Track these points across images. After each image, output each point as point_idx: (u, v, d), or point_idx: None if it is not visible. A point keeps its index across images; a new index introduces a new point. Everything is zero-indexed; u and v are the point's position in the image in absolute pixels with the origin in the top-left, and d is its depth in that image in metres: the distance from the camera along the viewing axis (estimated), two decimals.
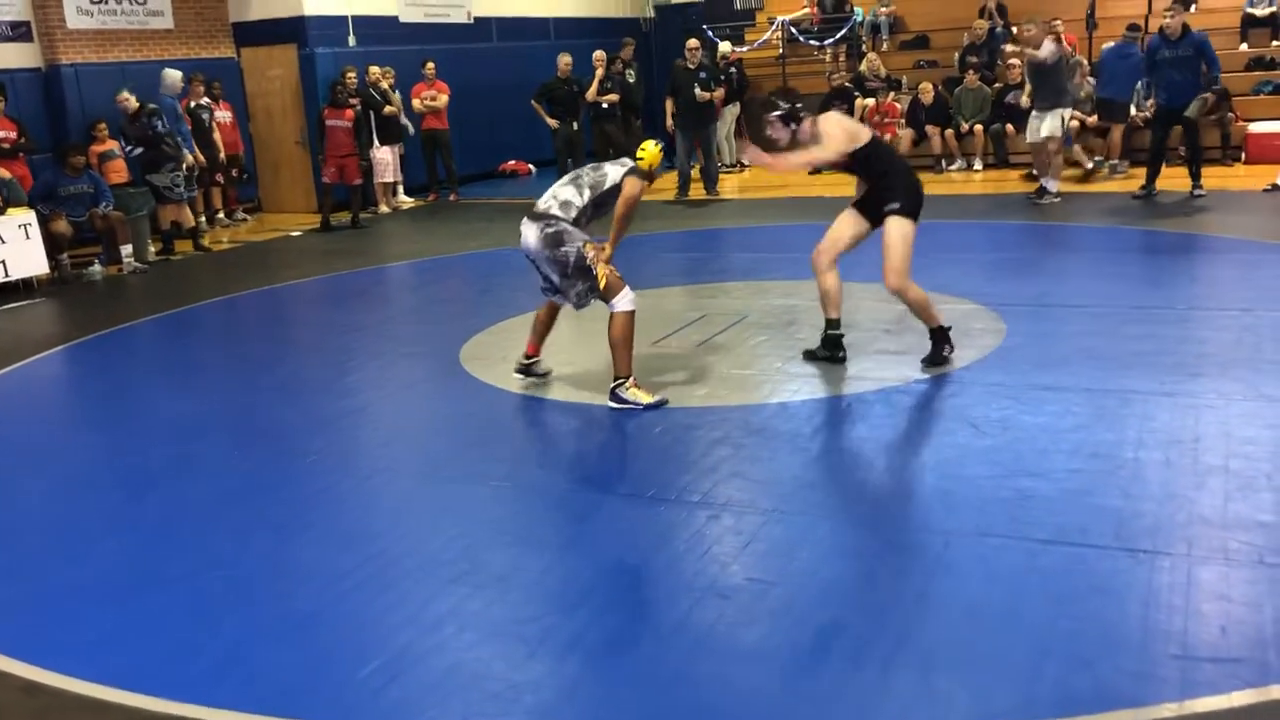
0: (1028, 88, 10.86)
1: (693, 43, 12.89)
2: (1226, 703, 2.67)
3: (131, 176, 10.92)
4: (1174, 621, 3.03)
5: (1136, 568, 3.35)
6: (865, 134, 5.43)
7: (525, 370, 5.75)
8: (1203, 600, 3.15)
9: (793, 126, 5.32)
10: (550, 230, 5.20)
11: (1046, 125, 10.45)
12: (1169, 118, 10.26)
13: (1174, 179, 10.51)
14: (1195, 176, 10.19)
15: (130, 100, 10.90)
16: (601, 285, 5.15)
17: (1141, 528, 3.61)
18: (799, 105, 5.35)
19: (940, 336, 5.50)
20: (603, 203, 5.35)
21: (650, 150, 5.46)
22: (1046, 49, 10.29)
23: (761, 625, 3.20)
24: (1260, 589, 3.18)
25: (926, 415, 4.80)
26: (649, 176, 5.44)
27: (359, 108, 12.42)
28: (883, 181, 5.39)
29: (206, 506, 4.40)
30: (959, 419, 4.73)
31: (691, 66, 12.57)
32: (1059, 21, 12.91)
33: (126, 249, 10.15)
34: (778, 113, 5.30)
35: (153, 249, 10.73)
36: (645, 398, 5.15)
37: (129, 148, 10.82)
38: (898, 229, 5.34)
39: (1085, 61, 12.76)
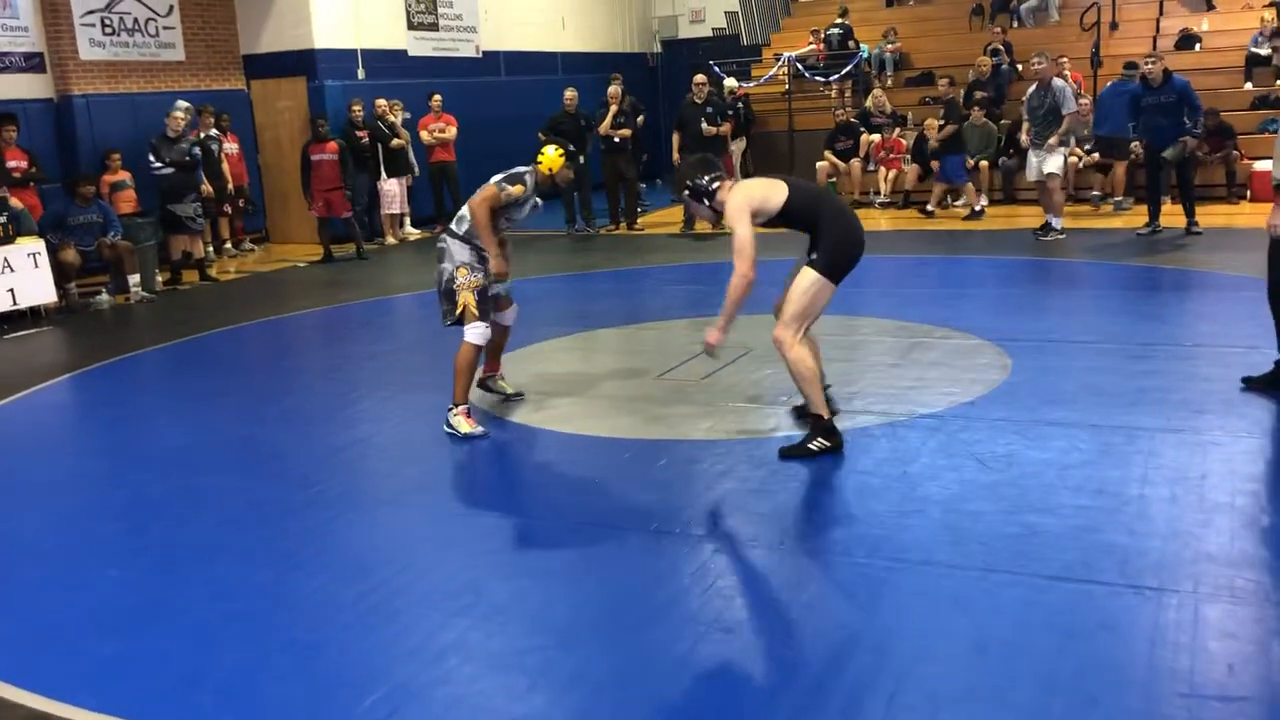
0: (1026, 125, 10.91)
1: (699, 78, 12.99)
2: None
3: (141, 207, 10.99)
4: (1180, 659, 3.01)
5: (1143, 605, 3.33)
6: (778, 196, 4.82)
7: (483, 385, 5.98)
8: (1210, 638, 3.13)
9: (706, 201, 4.93)
10: (439, 246, 5.49)
11: (1050, 163, 10.51)
12: (1155, 159, 10.38)
13: (1179, 215, 10.54)
14: (1189, 213, 10.28)
15: (181, 118, 10.98)
16: (457, 311, 5.42)
17: (1147, 565, 3.59)
18: (707, 180, 4.88)
19: (816, 426, 4.80)
20: (503, 212, 5.46)
21: (549, 155, 5.42)
22: (1057, 84, 10.41)
23: (765, 662, 3.18)
24: (1268, 627, 3.16)
25: (931, 450, 4.79)
26: (551, 181, 5.48)
27: (365, 140, 12.51)
28: (812, 233, 4.89)
29: (210, 536, 4.39)
30: (964, 454, 4.72)
31: (699, 101, 12.66)
32: (1065, 59, 13.02)
33: (134, 279, 10.19)
34: (685, 191, 4.95)
35: (160, 278, 10.78)
36: (466, 427, 5.38)
37: (159, 165, 10.84)
38: (805, 280, 4.81)
39: (1089, 98, 12.83)
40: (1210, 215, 10.73)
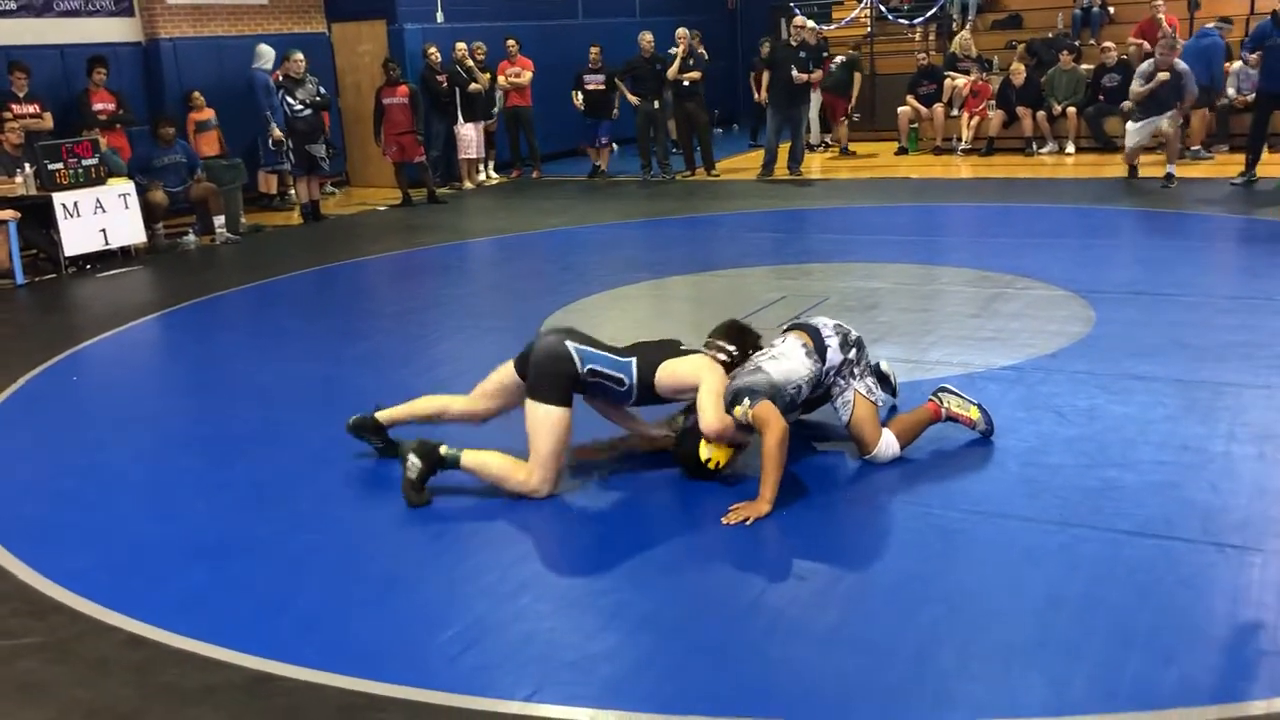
0: (1135, 90, 10.57)
1: (800, 19, 12.79)
2: None
3: (225, 149, 11.19)
4: (1264, 618, 2.96)
5: (1224, 562, 3.27)
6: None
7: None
8: (1216, 596, 3.07)
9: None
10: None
11: (1144, 132, 10.40)
12: (1270, 102, 10.03)
13: (1274, 165, 10.17)
14: (1252, 163, 9.97)
15: (303, 61, 11.14)
16: None
17: (1231, 522, 3.52)
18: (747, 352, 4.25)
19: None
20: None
21: (715, 455, 4.06)
22: (1181, 68, 10.25)
23: (836, 610, 3.19)
24: None
25: (1011, 402, 4.72)
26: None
27: (444, 84, 12.55)
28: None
29: (292, 472, 4.51)
30: (1044, 407, 4.65)
31: (794, 44, 12.46)
32: (1160, 4, 12.60)
33: (219, 220, 10.41)
34: (722, 357, 4.21)
35: (244, 220, 10.99)
36: None
37: (299, 108, 11.01)
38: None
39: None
40: None
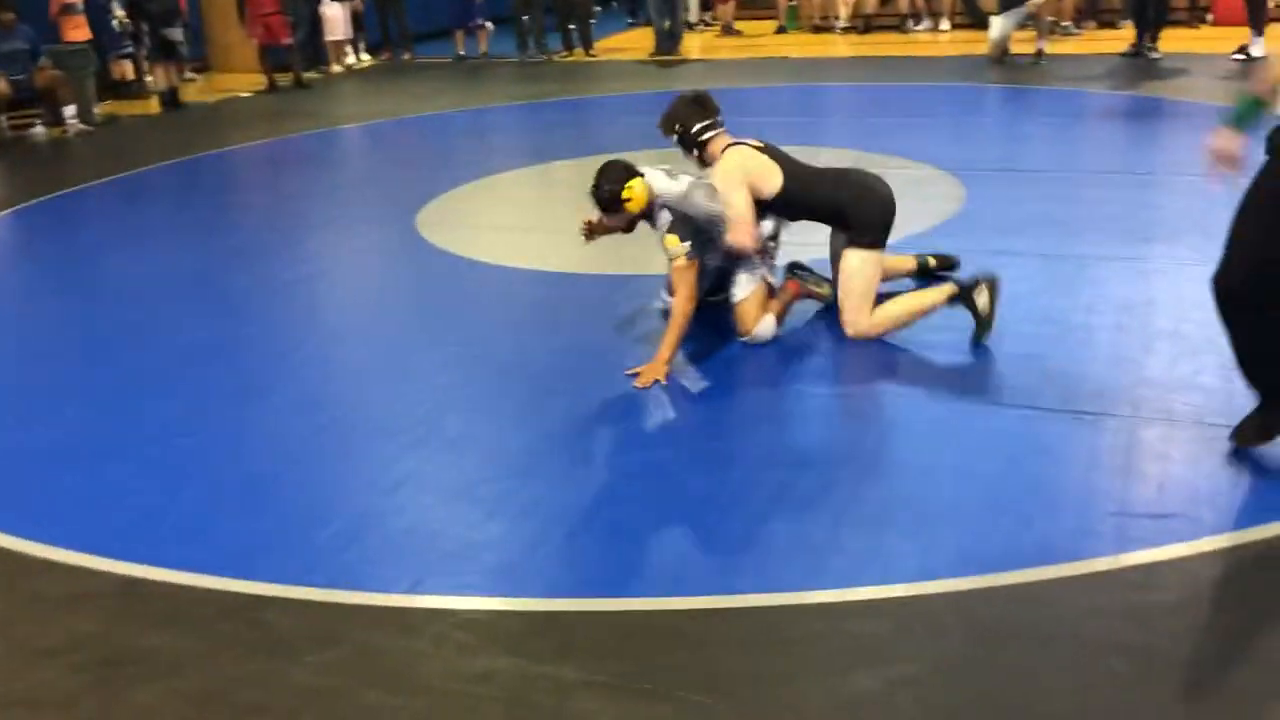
0: None
1: None
2: (1159, 555, 2.77)
3: (92, 34, 10.48)
4: (1114, 481, 3.12)
5: (1081, 429, 3.43)
6: (772, 182, 4.17)
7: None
8: (1144, 460, 3.25)
9: (694, 151, 4.36)
10: None
11: (1009, 23, 10.39)
12: None
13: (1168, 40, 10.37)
14: (1153, 37, 10.17)
15: None
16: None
17: (1088, 391, 3.68)
18: (698, 128, 4.29)
19: (964, 298, 4.13)
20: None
21: (636, 192, 4.09)
22: None
23: (711, 477, 3.27)
24: (1198, 448, 3.27)
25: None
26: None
27: None
28: (836, 222, 4.32)
29: (164, 373, 4.37)
30: (915, 285, 4.75)
31: None
32: None
33: (70, 110, 9.81)
34: (674, 136, 4.35)
35: (98, 110, 10.38)
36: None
37: None
38: (853, 261, 4.18)
39: None
40: (1171, 40, 10.59)
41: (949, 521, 2.97)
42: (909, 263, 4.72)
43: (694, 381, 4.02)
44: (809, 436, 3.59)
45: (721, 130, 4.37)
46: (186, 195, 7.73)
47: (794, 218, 4.46)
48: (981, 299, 4.08)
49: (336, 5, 12.46)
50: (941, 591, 2.68)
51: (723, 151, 4.27)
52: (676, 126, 4.37)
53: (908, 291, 4.43)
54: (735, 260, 4.26)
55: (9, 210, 7.26)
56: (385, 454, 3.57)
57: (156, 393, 4.17)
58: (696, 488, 3.25)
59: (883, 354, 4.14)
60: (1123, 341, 4.08)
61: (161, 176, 8.14)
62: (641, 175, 4.14)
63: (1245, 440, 3.18)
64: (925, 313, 4.18)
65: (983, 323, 4.08)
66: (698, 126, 4.33)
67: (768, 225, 4.36)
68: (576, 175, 7.38)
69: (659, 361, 3.95)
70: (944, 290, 4.16)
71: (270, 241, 6.22)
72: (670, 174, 4.24)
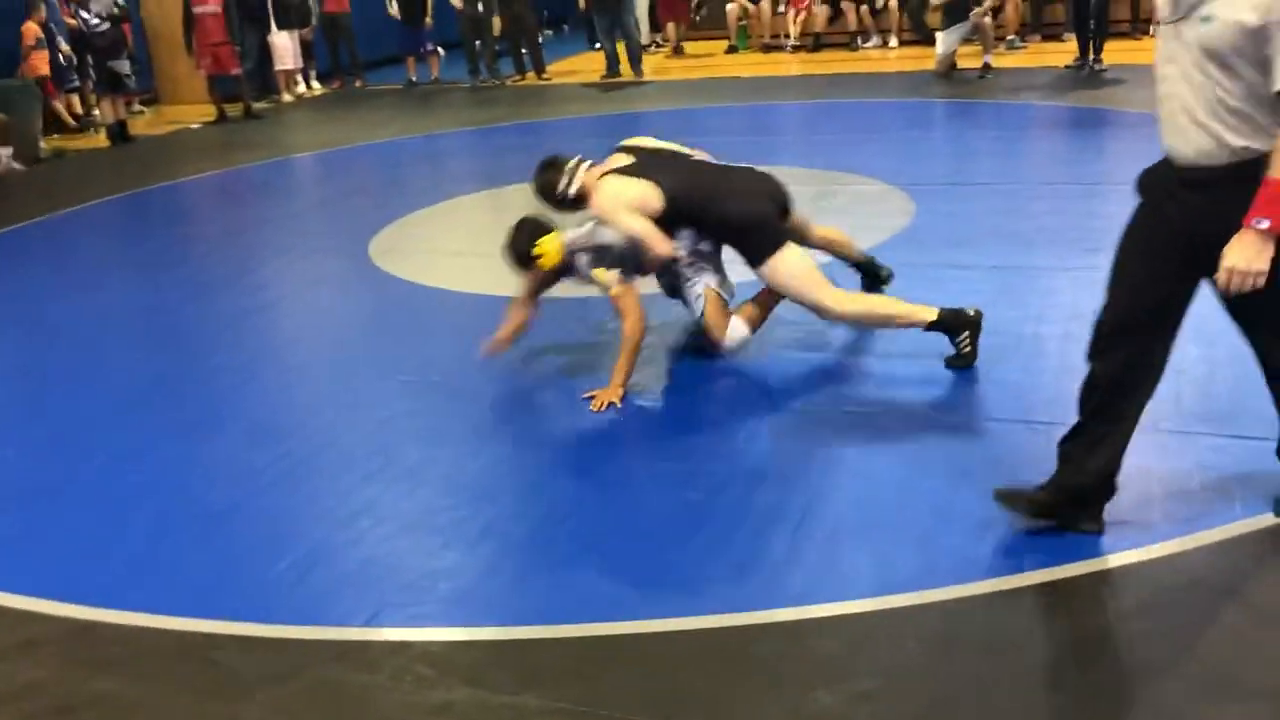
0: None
1: None
2: (1112, 562, 2.80)
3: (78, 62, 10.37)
4: None
5: (1034, 438, 3.46)
6: (654, 199, 4.03)
7: None
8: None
9: (576, 206, 4.19)
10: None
11: (953, 38, 10.50)
12: None
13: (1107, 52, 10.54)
14: (1098, 49, 10.33)
15: None
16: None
17: (1040, 400, 3.72)
18: (562, 186, 4.15)
19: (942, 326, 4.04)
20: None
21: (548, 249, 4.11)
22: None
23: (673, 505, 3.26)
24: (1150, 455, 3.30)
25: None
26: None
27: None
28: (721, 233, 4.20)
29: (113, 408, 4.31)
30: None
31: None
32: None
33: (6, 151, 9.65)
34: (553, 205, 4.22)
35: (46, 145, 10.25)
36: None
37: (96, 21, 10.20)
38: (781, 268, 4.05)
39: None
40: (1114, 51, 10.78)
41: (904, 535, 2.98)
42: (851, 249, 4.70)
43: (651, 402, 4.02)
44: (764, 455, 3.61)
45: (582, 168, 4.18)
46: (136, 229, 7.65)
47: (685, 227, 4.21)
48: (964, 335, 4.02)
49: (285, 34, 12.40)
50: (897, 606, 2.69)
51: (597, 183, 4.13)
52: (548, 197, 4.22)
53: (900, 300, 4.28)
54: (672, 280, 4.26)
55: None
56: (341, 485, 3.54)
57: (104, 430, 4.11)
58: (654, 510, 3.24)
59: (838, 369, 4.17)
60: (1073, 351, 4.11)
61: (110, 210, 8.05)
62: (553, 230, 4.10)
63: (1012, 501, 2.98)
64: (901, 323, 4.07)
65: (961, 357, 4.02)
66: (561, 186, 4.16)
67: (685, 235, 4.21)
68: (529, 199, 7.38)
69: (613, 385, 3.95)
70: (930, 312, 4.04)
71: (222, 273, 6.16)
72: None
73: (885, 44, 13.22)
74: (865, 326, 4.28)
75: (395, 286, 5.61)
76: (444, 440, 3.86)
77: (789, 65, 12.77)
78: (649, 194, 4.05)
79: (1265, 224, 2.43)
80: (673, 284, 4.32)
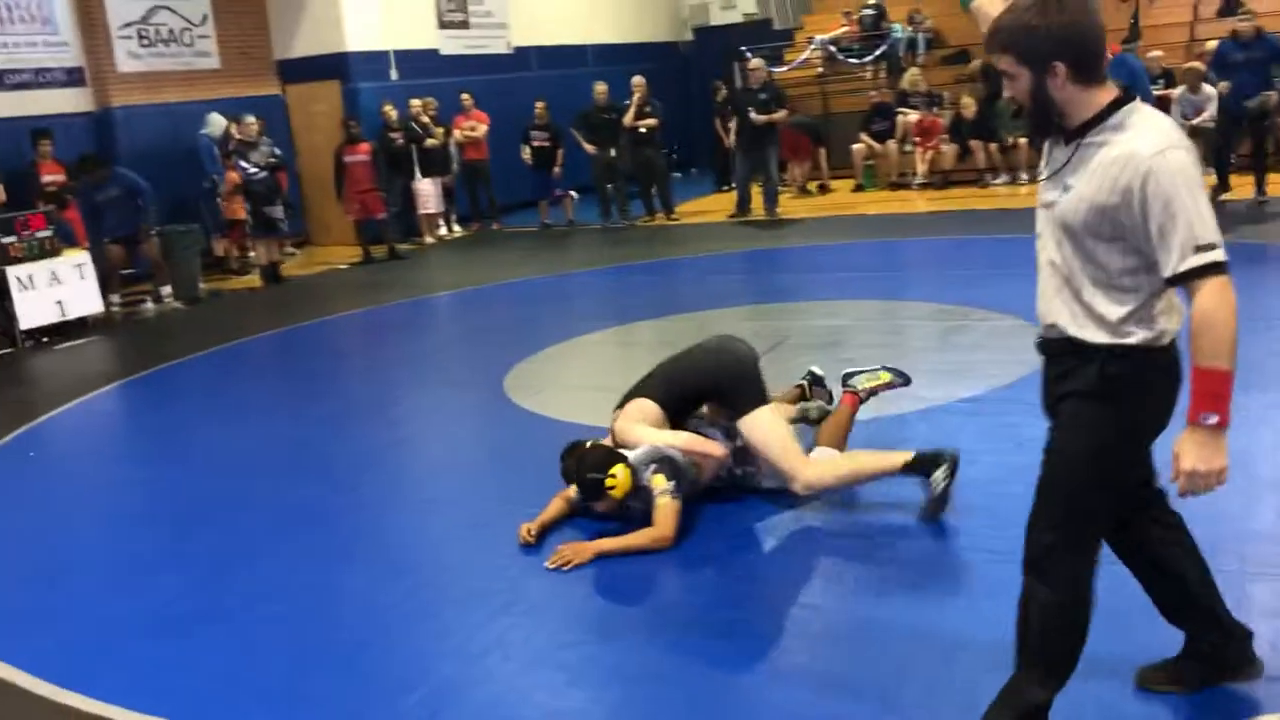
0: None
1: (755, 62, 12.96)
2: None
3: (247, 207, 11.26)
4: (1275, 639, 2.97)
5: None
6: (652, 412, 4.21)
7: None
8: (1255, 618, 3.08)
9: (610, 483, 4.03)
10: None
11: None
12: (1232, 120, 10.24)
13: (1246, 186, 10.30)
14: (1260, 182, 10.09)
15: (255, 124, 11.23)
16: None
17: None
18: (590, 467, 4.06)
19: (919, 467, 4.00)
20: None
21: (620, 478, 4.00)
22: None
23: (804, 652, 3.18)
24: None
25: (971, 433, 4.75)
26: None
27: (400, 141, 12.60)
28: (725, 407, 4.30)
29: (255, 539, 4.46)
30: (1004, 437, 4.67)
31: (754, 87, 12.58)
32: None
33: (166, 289, 10.34)
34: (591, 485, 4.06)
35: (203, 285, 10.93)
36: None
37: (255, 171, 11.04)
38: (756, 427, 4.12)
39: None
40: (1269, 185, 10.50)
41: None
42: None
43: (777, 544, 3.96)
44: (898, 601, 3.49)
45: (593, 445, 4.21)
46: (285, 364, 8.03)
47: (694, 411, 4.36)
48: (939, 474, 3.91)
49: (428, 181, 13.07)
50: None
51: (619, 434, 4.22)
52: (584, 478, 4.09)
53: (870, 451, 4.27)
54: (734, 473, 4.27)
55: (117, 383, 7.60)
56: (471, 620, 3.56)
57: (247, 560, 4.25)
58: (786, 660, 3.17)
59: (968, 508, 4.05)
60: (1224, 493, 3.88)
61: (260, 347, 8.48)
62: (624, 460, 4.04)
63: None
64: (877, 475, 4.06)
65: (936, 499, 3.89)
66: (589, 468, 4.07)
67: (717, 437, 4.25)
68: (657, 335, 7.51)
69: (593, 548, 3.89)
70: (901, 456, 3.99)
71: (364, 408, 6.40)
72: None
73: (1015, 180, 13.17)
74: (843, 487, 4.17)
75: (528, 420, 5.72)
76: (574, 575, 3.86)
77: (916, 203, 12.82)
78: (645, 410, 4.19)
79: (1214, 419, 2.28)
80: (734, 482, 4.33)
